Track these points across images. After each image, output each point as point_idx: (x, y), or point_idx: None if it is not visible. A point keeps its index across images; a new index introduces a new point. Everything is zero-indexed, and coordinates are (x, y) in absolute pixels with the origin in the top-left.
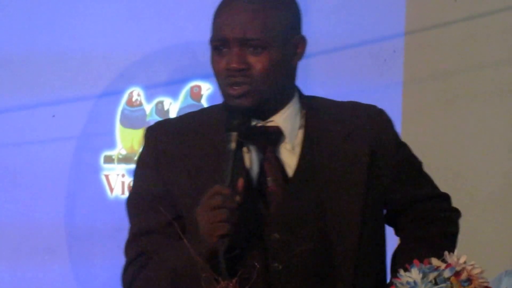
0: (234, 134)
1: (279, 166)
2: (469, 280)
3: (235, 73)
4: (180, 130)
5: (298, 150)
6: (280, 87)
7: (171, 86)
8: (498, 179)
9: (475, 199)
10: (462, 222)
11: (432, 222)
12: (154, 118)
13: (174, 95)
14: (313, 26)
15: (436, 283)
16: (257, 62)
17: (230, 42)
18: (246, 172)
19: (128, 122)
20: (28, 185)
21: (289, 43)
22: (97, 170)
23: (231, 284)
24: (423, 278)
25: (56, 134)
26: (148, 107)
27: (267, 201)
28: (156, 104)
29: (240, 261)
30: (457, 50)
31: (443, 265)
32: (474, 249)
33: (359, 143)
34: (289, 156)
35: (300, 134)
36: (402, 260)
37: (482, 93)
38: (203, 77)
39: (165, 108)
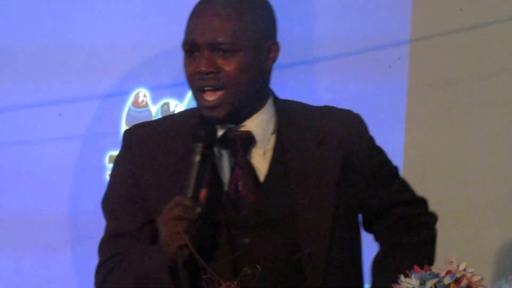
0: (199, 146)
1: (250, 170)
2: (469, 287)
3: (205, 76)
4: (158, 133)
5: (269, 155)
6: (252, 91)
7: (177, 88)
8: (501, 186)
9: (478, 205)
10: (464, 228)
11: (410, 228)
12: None
13: (180, 96)
14: (318, 31)
15: None
16: (227, 66)
17: (201, 46)
18: (218, 178)
19: (134, 122)
20: (33, 183)
21: (260, 48)
22: (102, 170)
23: (232, 286)
24: (423, 284)
25: (62, 133)
26: (154, 108)
27: (238, 206)
28: (162, 106)
29: (209, 265)
30: (462, 58)
31: (443, 272)
32: (476, 255)
33: (332, 148)
34: (261, 161)
35: (273, 139)
36: (382, 268)
37: (486, 101)
38: None
39: (171, 110)
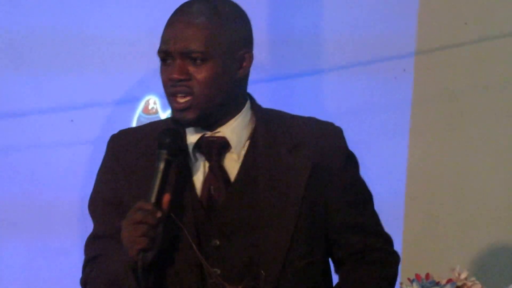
0: (163, 153)
1: (222, 175)
2: None
3: (177, 83)
4: (137, 139)
5: (242, 160)
6: (224, 98)
7: None
8: (505, 199)
9: (481, 217)
10: (468, 239)
11: (372, 264)
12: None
13: None
14: (325, 42)
15: None
16: (198, 73)
17: (173, 54)
18: (191, 182)
19: None
20: (45, 188)
21: (233, 57)
22: None
23: None
24: None
25: (73, 138)
26: (164, 116)
27: (209, 209)
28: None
29: (177, 268)
30: (467, 71)
31: (444, 280)
32: (479, 265)
33: (303, 155)
34: (235, 165)
35: (247, 145)
36: None
37: (490, 114)
38: None
39: None
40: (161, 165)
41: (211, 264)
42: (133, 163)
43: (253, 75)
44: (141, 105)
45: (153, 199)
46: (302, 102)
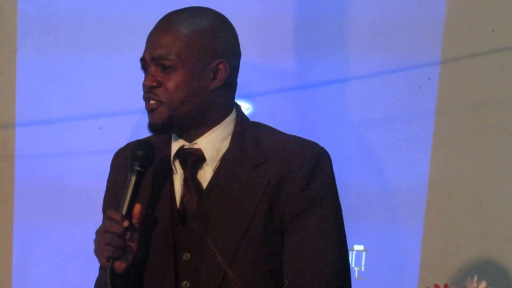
0: (135, 164)
1: (196, 186)
2: None
3: (148, 90)
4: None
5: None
6: (194, 108)
7: None
8: None
9: (501, 228)
10: (488, 249)
11: None
12: None
13: None
14: (349, 52)
15: None
16: (166, 81)
17: (147, 62)
18: (172, 193)
19: None
20: (74, 195)
21: (204, 67)
22: None
23: None
24: None
25: (102, 146)
26: None
27: (184, 221)
28: None
29: (151, 280)
30: (492, 81)
31: None
32: (498, 276)
33: (263, 173)
34: (208, 178)
35: (220, 158)
36: None
37: None
38: (243, 96)
39: None
40: (133, 177)
41: (181, 276)
42: (124, 175)
43: (277, 83)
44: None
45: (123, 209)
46: (327, 111)
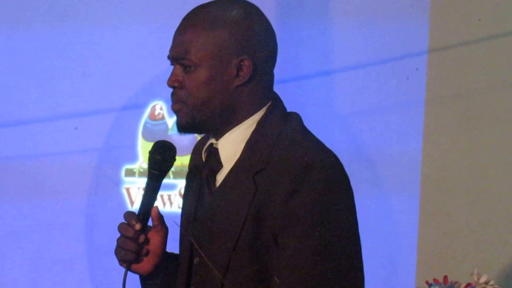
0: (151, 170)
1: (209, 189)
2: None
3: (172, 91)
4: (194, 149)
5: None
6: (216, 107)
7: None
8: None
9: (496, 217)
10: (484, 240)
11: None
12: (176, 132)
13: None
14: (336, 43)
15: None
16: (188, 81)
17: (171, 61)
18: (199, 193)
19: (150, 135)
20: (50, 196)
21: (225, 65)
22: (118, 183)
23: None
24: None
25: (78, 146)
26: (171, 121)
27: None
28: None
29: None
30: (480, 69)
31: (463, 284)
32: (495, 267)
33: (260, 180)
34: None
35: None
36: None
37: (504, 113)
38: None
39: None
40: (150, 181)
41: (192, 282)
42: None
43: None
44: (147, 111)
45: (140, 211)
46: (314, 103)
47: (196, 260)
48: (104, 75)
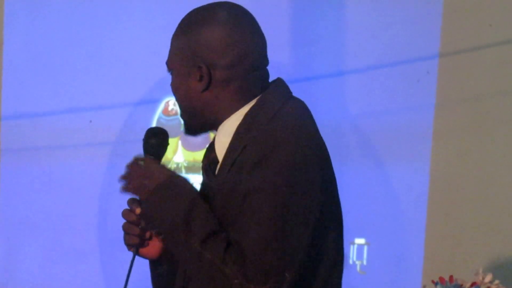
0: (147, 155)
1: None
2: None
3: None
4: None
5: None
6: (193, 110)
7: None
8: None
9: (504, 220)
10: (491, 242)
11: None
12: None
13: None
14: (347, 45)
15: None
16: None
17: None
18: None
19: None
20: (62, 188)
21: (189, 71)
22: None
23: None
24: None
25: (92, 139)
26: None
27: None
28: None
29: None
30: (491, 74)
31: (467, 283)
32: (501, 268)
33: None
34: None
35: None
36: None
37: None
38: None
39: None
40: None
41: None
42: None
43: (274, 76)
44: (161, 106)
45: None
46: (325, 105)
47: None
48: (119, 71)
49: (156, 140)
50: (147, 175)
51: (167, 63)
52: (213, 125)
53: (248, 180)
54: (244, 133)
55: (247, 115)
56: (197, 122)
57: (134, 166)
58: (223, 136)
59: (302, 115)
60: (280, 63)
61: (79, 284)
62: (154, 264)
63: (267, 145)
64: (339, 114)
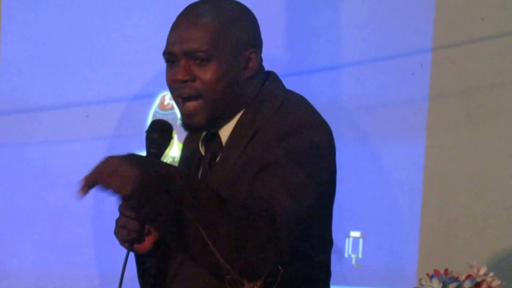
0: (150, 149)
1: (206, 171)
2: None
3: (181, 85)
4: (185, 142)
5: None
6: (229, 99)
7: None
8: None
9: (498, 214)
10: (485, 236)
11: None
12: None
13: None
14: (341, 39)
15: None
16: (203, 73)
17: (177, 55)
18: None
19: None
20: (58, 183)
21: (237, 57)
22: None
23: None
24: None
25: (89, 134)
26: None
27: None
28: None
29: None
30: (484, 66)
31: (463, 276)
32: (495, 262)
33: (249, 147)
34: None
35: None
36: None
37: (506, 110)
38: None
39: None
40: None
41: None
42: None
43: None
44: (157, 101)
45: None
46: (319, 98)
47: None
48: (115, 65)
49: (159, 135)
50: (121, 172)
51: (205, 50)
52: (225, 119)
53: (273, 151)
54: (249, 123)
55: (249, 107)
56: (223, 115)
57: (106, 163)
58: (229, 126)
59: (310, 105)
60: (275, 57)
61: (74, 277)
62: (142, 259)
63: (291, 123)
64: (333, 108)
